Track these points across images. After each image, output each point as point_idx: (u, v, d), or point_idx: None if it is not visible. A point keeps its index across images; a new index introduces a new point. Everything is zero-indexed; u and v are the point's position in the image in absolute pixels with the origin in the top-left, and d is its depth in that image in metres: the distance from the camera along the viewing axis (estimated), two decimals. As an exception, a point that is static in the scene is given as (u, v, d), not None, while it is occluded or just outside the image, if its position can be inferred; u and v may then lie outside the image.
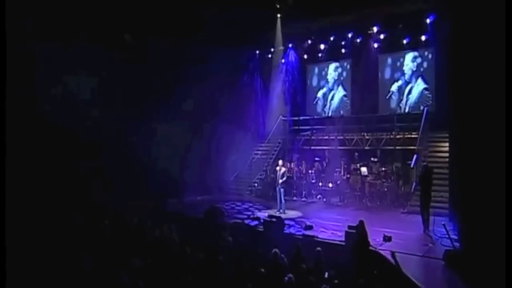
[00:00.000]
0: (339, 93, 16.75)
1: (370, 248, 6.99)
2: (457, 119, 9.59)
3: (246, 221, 10.11)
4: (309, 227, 9.10)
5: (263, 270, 5.33)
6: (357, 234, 6.87)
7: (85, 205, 9.60)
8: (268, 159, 15.64)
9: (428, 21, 13.18)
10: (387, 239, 7.90)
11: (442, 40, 12.69)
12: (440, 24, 12.69)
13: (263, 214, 10.79)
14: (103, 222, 7.99)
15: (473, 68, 8.74)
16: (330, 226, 9.44)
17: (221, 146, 14.92)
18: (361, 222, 6.95)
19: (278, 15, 14.75)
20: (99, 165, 11.67)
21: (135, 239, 7.43)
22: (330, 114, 16.64)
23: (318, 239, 8.17)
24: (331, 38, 15.71)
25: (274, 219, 8.99)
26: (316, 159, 14.24)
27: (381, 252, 7.16)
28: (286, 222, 9.42)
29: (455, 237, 8.00)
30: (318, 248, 6.84)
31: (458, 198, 8.66)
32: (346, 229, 7.85)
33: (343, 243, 7.74)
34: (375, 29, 14.72)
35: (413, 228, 9.27)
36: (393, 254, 6.09)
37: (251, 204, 12.94)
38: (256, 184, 14.97)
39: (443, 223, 7.60)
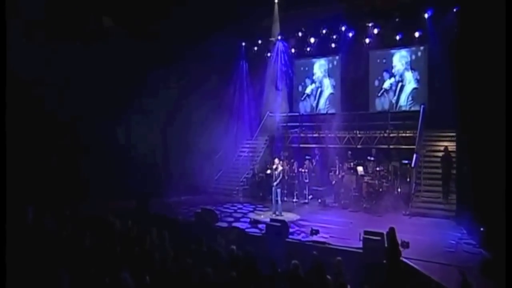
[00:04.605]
0: (328, 89, 16.06)
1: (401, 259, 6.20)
2: (467, 117, 9.18)
3: (245, 226, 9.05)
4: (316, 232, 8.21)
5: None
6: (388, 244, 6.04)
7: (57, 206, 8.18)
8: (255, 157, 14.67)
9: (426, 16, 12.69)
10: (405, 245, 7.19)
11: (438, 35, 12.38)
12: (438, 18, 12.31)
13: (260, 217, 9.85)
14: (82, 230, 6.67)
15: (482, 63, 8.35)
16: (336, 230, 8.62)
17: (204, 143, 13.77)
18: (392, 230, 6.13)
19: (276, 1, 13.60)
20: (73, 161, 10.24)
21: (121, 249, 6.22)
22: (319, 111, 15.94)
23: (332, 246, 7.30)
24: (323, 31, 14.88)
25: (278, 223, 8.01)
26: (307, 157, 13.46)
27: (410, 263, 6.43)
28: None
29: (474, 242, 7.51)
30: (339, 258, 5.96)
31: (474, 201, 8.19)
32: (363, 234, 7.04)
33: (360, 251, 6.95)
34: (369, 23, 14.06)
35: (423, 232, 8.69)
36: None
37: (241, 205, 11.93)
38: (243, 184, 13.95)
39: (482, 229, 6.91)
